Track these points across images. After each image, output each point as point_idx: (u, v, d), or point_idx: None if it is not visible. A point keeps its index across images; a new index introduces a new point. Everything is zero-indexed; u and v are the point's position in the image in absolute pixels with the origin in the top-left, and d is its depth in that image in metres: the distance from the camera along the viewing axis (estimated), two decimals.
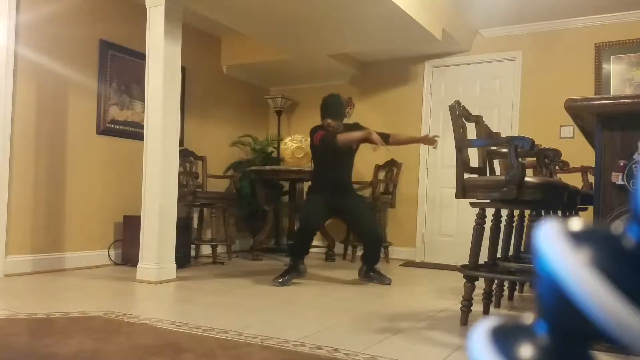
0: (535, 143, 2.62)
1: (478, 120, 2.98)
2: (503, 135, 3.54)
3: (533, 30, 5.10)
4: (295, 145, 5.37)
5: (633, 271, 0.37)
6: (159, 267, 3.68)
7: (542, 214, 2.66)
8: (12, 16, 3.79)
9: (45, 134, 4.04)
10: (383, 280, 3.92)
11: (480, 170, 2.88)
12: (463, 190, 2.63)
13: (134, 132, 4.64)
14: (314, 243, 4.23)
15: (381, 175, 5.74)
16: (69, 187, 4.22)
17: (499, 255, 2.94)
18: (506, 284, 3.33)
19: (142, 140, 3.83)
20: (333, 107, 3.90)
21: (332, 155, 3.87)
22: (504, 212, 2.95)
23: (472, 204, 2.69)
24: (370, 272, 3.97)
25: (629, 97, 2.44)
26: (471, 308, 2.63)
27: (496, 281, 3.05)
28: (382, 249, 4.17)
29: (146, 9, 3.80)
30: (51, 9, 4.06)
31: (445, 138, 5.45)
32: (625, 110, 2.09)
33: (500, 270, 2.78)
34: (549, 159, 3.32)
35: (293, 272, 3.82)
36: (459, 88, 5.48)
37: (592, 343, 0.40)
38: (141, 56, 4.12)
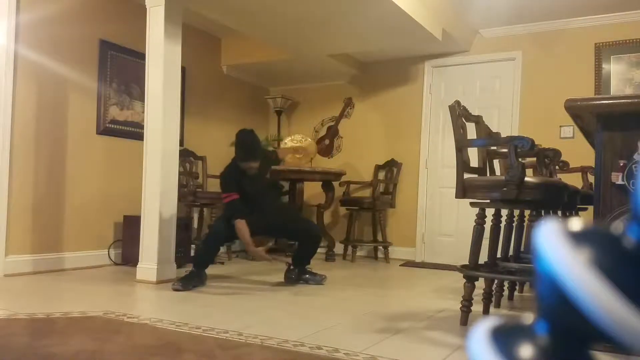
0: (535, 143, 2.62)
1: (478, 120, 2.98)
2: (503, 135, 3.54)
3: (533, 30, 5.10)
4: (295, 146, 5.37)
5: (633, 271, 0.37)
6: (159, 267, 3.68)
7: (542, 214, 2.66)
8: (12, 16, 3.79)
9: (45, 134, 4.04)
10: (318, 279, 3.77)
11: (480, 170, 2.88)
12: (463, 190, 2.63)
13: (134, 132, 4.64)
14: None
15: (381, 175, 5.74)
16: (69, 187, 4.22)
17: (499, 255, 2.94)
18: (506, 284, 3.33)
19: (142, 140, 3.83)
20: (253, 146, 3.60)
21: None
22: (504, 212, 2.95)
23: (472, 204, 2.69)
24: (304, 275, 3.79)
25: (629, 97, 2.44)
26: (471, 308, 2.63)
27: (496, 281, 3.05)
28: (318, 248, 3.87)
29: (146, 9, 3.80)
30: (51, 9, 4.06)
31: (445, 138, 5.47)
32: (625, 110, 2.09)
33: (500, 270, 2.78)
34: (549, 159, 3.33)
35: (195, 279, 3.54)
36: (459, 88, 5.48)
37: (592, 343, 0.40)
38: (141, 56, 4.12)
